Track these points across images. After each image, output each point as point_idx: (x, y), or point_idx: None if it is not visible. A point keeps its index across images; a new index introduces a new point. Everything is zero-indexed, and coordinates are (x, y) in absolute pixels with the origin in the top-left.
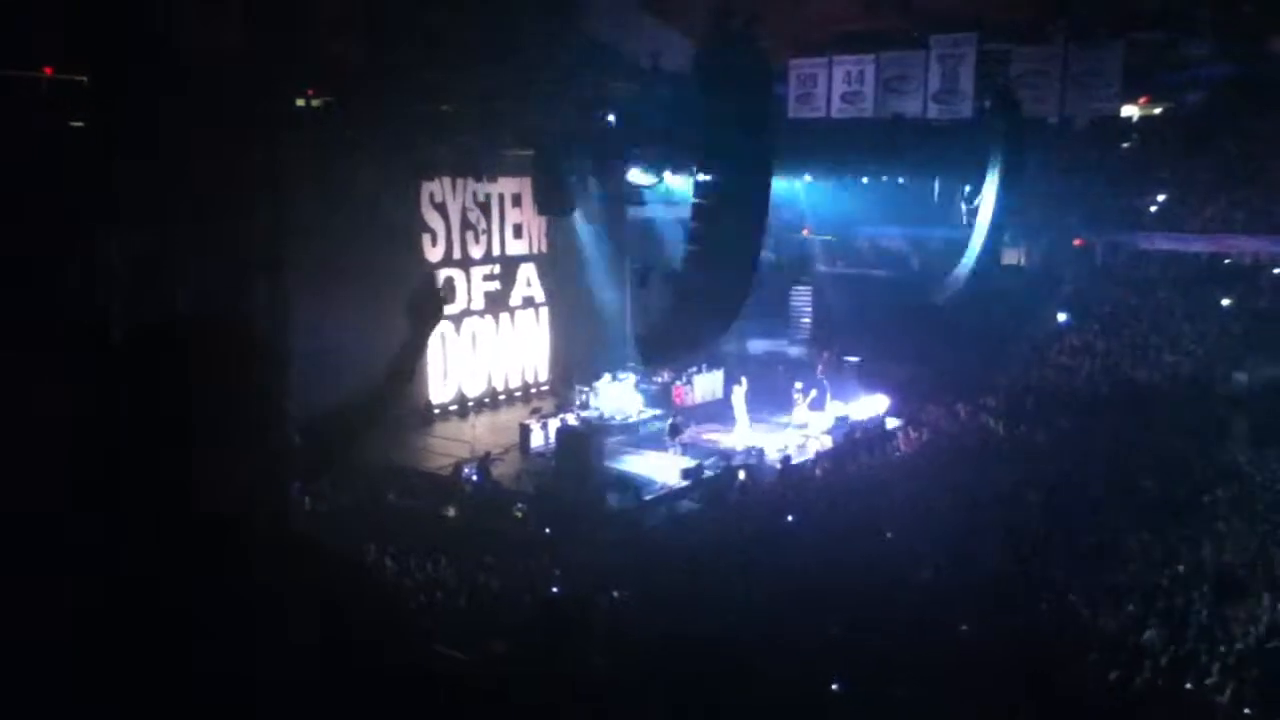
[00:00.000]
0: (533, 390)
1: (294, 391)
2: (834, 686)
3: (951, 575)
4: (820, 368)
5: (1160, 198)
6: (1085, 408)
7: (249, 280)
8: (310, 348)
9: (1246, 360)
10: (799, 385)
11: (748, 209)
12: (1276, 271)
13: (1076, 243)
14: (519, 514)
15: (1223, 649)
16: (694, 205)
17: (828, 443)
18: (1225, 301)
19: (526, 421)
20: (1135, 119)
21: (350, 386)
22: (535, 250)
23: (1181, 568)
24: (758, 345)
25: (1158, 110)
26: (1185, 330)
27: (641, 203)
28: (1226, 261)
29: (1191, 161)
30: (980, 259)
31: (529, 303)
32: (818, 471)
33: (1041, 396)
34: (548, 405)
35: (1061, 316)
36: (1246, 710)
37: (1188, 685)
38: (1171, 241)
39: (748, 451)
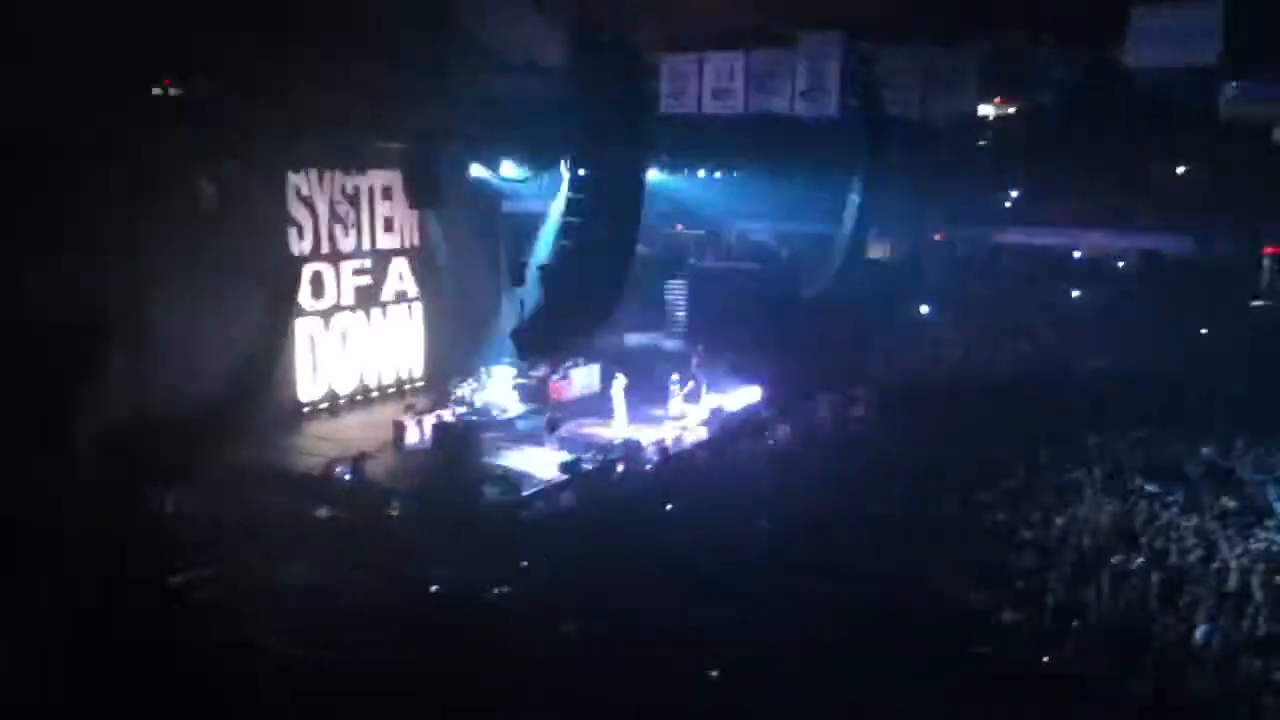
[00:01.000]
0: (407, 387)
1: (152, 386)
2: (712, 673)
3: (817, 555)
4: (695, 361)
5: (1014, 194)
6: (947, 395)
7: (103, 273)
8: (171, 340)
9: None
10: (675, 378)
11: (622, 204)
12: (1120, 265)
13: (937, 237)
14: (395, 511)
15: (1076, 624)
16: (568, 200)
17: (703, 434)
18: (1075, 293)
19: (401, 419)
20: (991, 118)
21: (211, 382)
22: (407, 244)
23: (1031, 537)
24: (634, 339)
25: (1012, 110)
26: (1038, 320)
27: (516, 197)
28: (1076, 255)
29: (1043, 159)
30: (847, 253)
31: (401, 297)
32: (695, 464)
33: (906, 386)
34: (422, 402)
35: (924, 309)
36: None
37: (1045, 659)
38: (1024, 235)
39: (625, 443)
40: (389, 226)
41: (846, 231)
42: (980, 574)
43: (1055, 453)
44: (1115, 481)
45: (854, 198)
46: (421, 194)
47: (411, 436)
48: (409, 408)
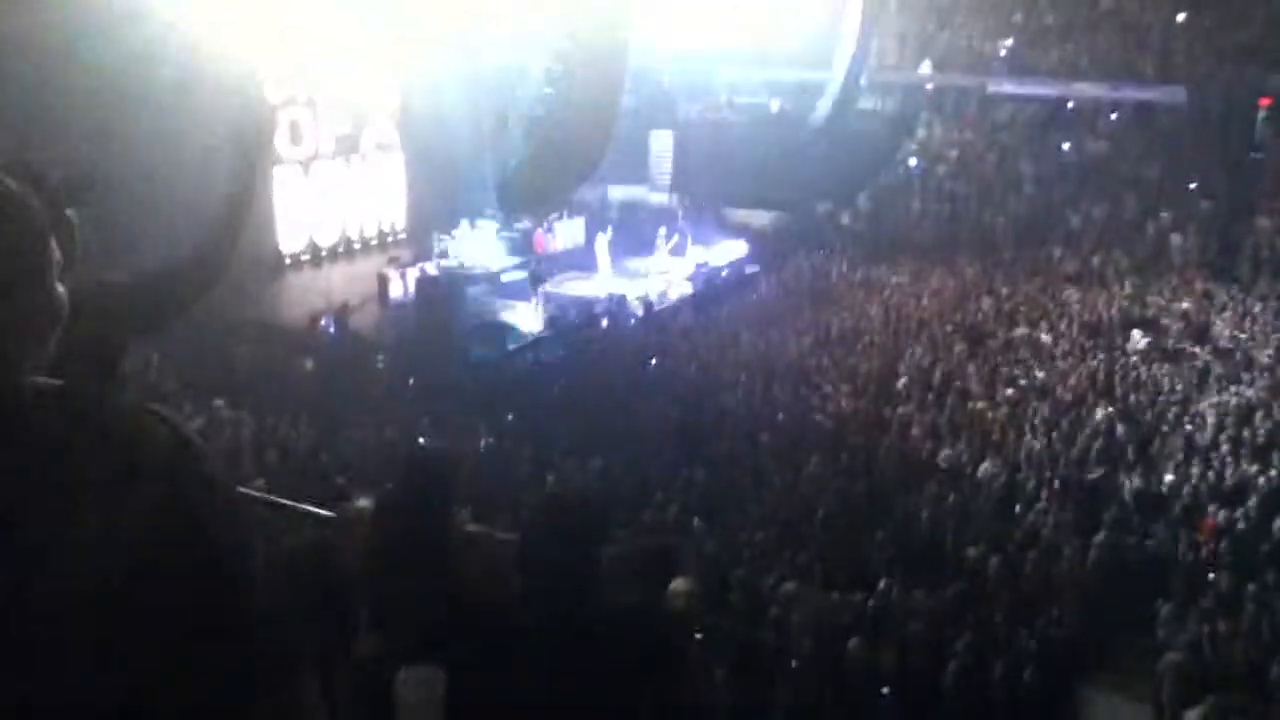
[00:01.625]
0: (389, 239)
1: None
2: (695, 521)
3: (803, 417)
4: (681, 213)
5: (1008, 42)
6: (934, 250)
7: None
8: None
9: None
10: (662, 232)
11: (608, 51)
12: (1114, 116)
13: (929, 88)
14: (380, 365)
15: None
16: (554, 49)
17: (688, 289)
18: (1065, 145)
19: (384, 271)
20: None
21: (184, 235)
22: (389, 94)
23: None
24: (618, 192)
25: None
26: (1027, 173)
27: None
28: (1069, 106)
29: (1039, 6)
30: (837, 102)
31: (383, 148)
32: (679, 319)
33: (897, 239)
34: (406, 254)
35: (913, 162)
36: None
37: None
38: (1018, 86)
39: (610, 298)
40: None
41: (838, 81)
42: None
43: None
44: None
45: (847, 46)
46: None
47: (395, 290)
48: (392, 260)
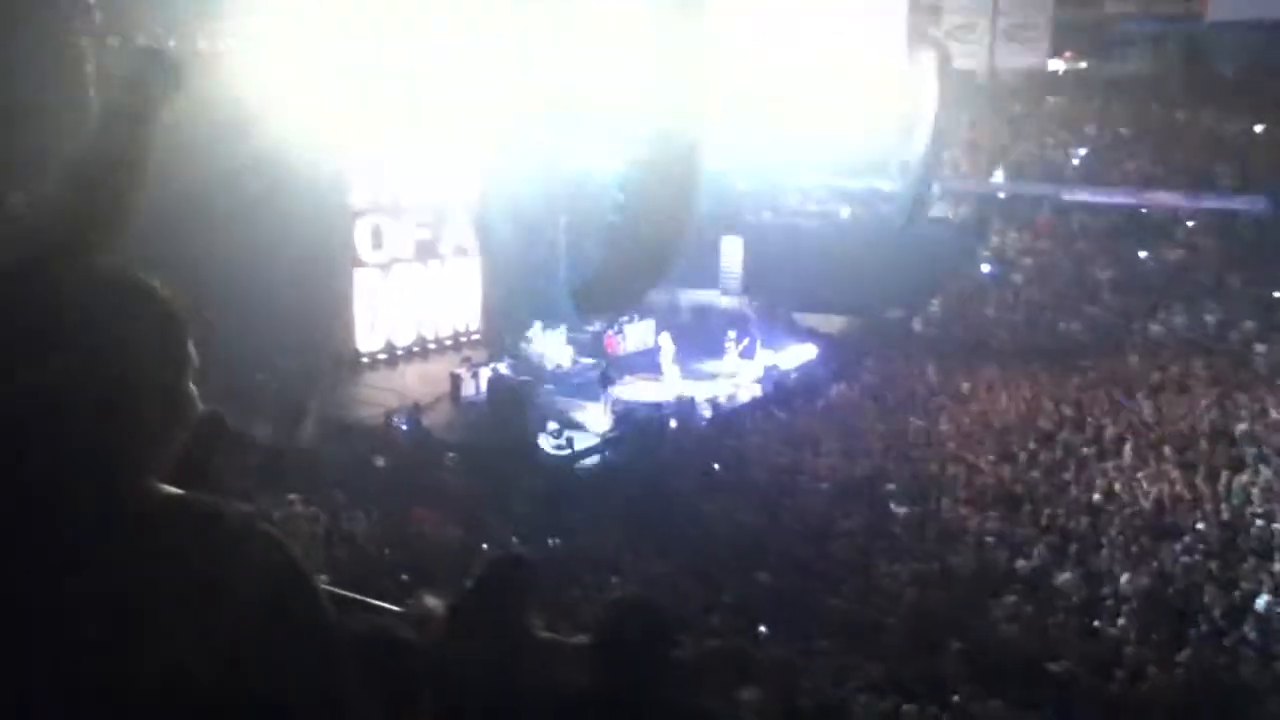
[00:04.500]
0: (464, 339)
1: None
2: (761, 629)
3: (875, 522)
4: (751, 317)
5: (1082, 151)
6: (1016, 357)
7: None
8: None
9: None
10: (732, 334)
11: (682, 158)
12: (1190, 224)
13: (1001, 195)
14: (450, 463)
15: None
16: (629, 154)
17: (757, 391)
18: (1142, 254)
19: (457, 371)
20: (1061, 72)
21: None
22: (467, 197)
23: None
24: (689, 296)
25: (1083, 65)
26: (1104, 281)
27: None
28: (1144, 212)
29: (1114, 117)
30: (909, 210)
31: (460, 251)
32: (748, 423)
33: (970, 345)
34: (479, 354)
35: (986, 268)
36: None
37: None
38: (1092, 194)
39: (679, 400)
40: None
41: (909, 187)
42: None
43: None
44: None
45: (917, 151)
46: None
47: (468, 389)
48: (465, 360)
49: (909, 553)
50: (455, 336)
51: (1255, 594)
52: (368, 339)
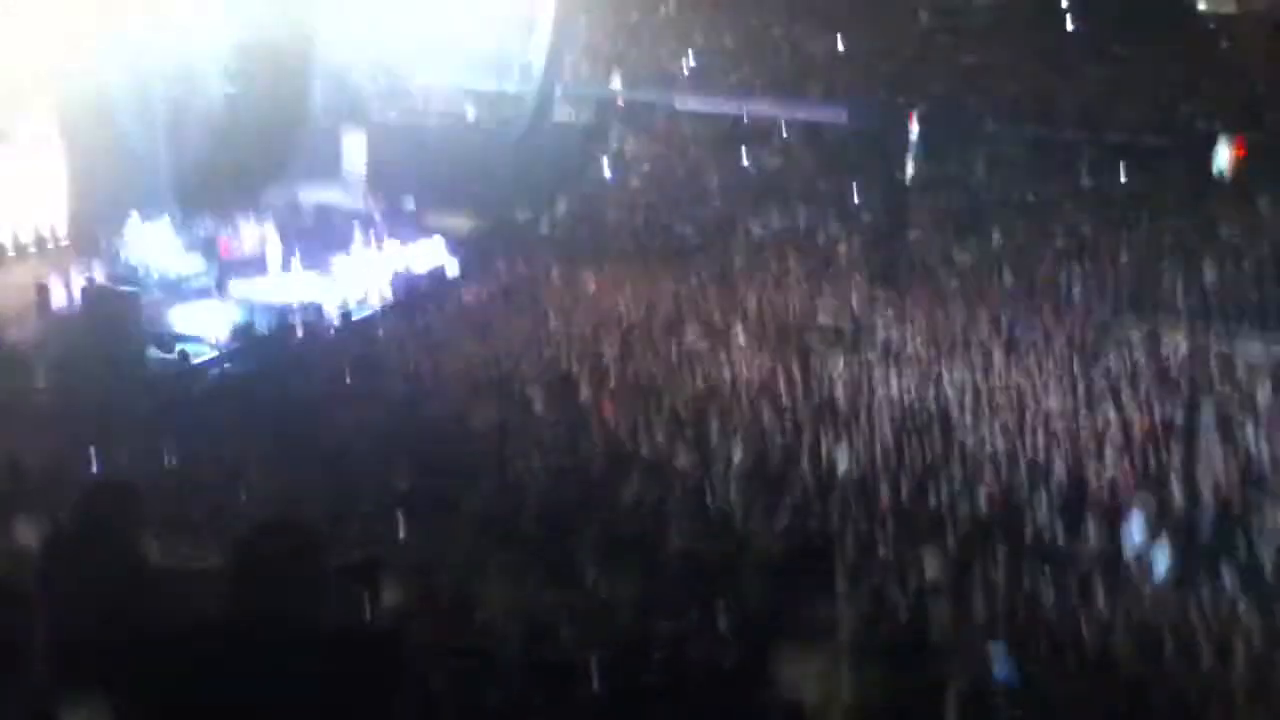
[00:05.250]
0: (49, 245)
1: None
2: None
3: (510, 420)
4: (376, 216)
5: (692, 62)
6: (636, 257)
7: None
8: None
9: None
10: (358, 235)
11: (292, 48)
12: (785, 134)
13: (620, 102)
14: (42, 383)
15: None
16: (234, 43)
17: (387, 295)
18: (745, 161)
19: (43, 281)
20: None
21: None
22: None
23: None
24: (310, 195)
25: None
26: (713, 186)
27: None
28: (746, 123)
29: (719, 29)
30: (534, 113)
31: (39, 140)
32: (380, 330)
33: (594, 247)
34: (69, 259)
35: (607, 173)
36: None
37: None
38: (702, 102)
39: (304, 306)
40: None
41: (533, 91)
42: None
43: None
44: None
45: (539, 53)
46: None
47: (59, 299)
48: (53, 266)
49: (543, 447)
50: (39, 240)
51: (837, 462)
52: None
